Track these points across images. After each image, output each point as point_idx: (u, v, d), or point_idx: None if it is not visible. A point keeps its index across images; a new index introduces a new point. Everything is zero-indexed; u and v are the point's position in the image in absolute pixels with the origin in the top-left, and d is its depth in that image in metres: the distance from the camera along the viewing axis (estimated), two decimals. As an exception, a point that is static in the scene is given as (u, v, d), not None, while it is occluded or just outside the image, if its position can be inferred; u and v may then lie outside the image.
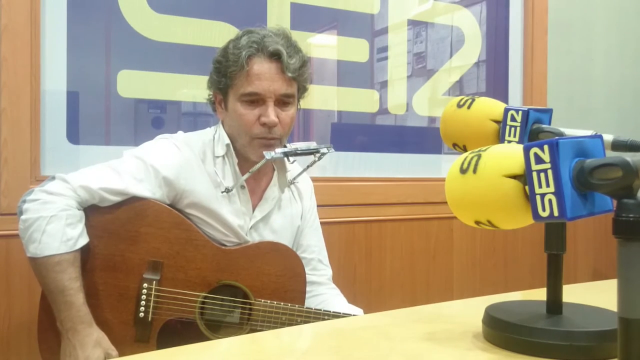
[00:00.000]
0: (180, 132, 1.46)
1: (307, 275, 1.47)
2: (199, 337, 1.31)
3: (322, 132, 2.14)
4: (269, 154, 1.30)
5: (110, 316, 1.30)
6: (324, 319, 1.33)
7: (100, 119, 1.77)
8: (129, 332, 1.30)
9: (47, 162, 1.65)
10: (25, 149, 1.60)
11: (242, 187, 1.43)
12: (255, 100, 1.36)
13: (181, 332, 1.33)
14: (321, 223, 1.63)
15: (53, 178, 1.29)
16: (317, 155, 1.33)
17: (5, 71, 1.57)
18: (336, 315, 1.36)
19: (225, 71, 1.38)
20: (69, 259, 1.23)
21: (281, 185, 1.50)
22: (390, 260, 2.13)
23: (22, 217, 1.25)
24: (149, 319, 1.30)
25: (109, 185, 1.30)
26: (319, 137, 2.12)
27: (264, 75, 1.36)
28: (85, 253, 1.28)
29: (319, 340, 0.83)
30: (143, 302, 1.30)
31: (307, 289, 1.48)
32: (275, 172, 1.50)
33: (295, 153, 1.31)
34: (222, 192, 1.38)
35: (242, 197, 1.43)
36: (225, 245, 1.39)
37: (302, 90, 1.45)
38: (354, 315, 1.38)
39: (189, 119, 1.89)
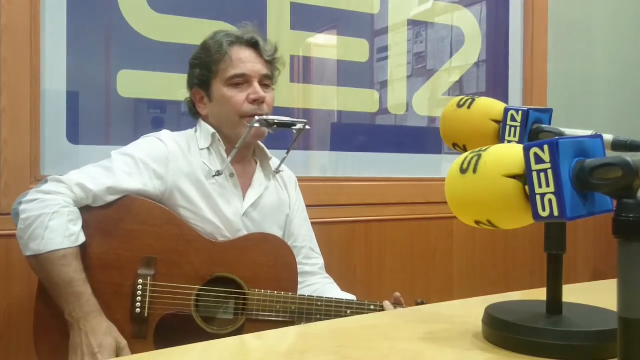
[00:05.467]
0: (164, 130, 1.49)
1: (299, 266, 1.51)
2: (196, 330, 1.32)
3: (322, 132, 2.14)
4: (249, 123, 1.39)
5: (107, 314, 1.30)
6: (317, 305, 1.38)
7: (100, 119, 1.78)
8: (126, 328, 1.31)
9: (47, 162, 1.65)
10: (25, 149, 1.60)
11: (232, 174, 1.46)
12: (241, 82, 1.46)
13: (178, 326, 1.33)
14: (321, 223, 1.64)
15: (46, 181, 1.31)
16: (294, 129, 1.40)
17: (5, 71, 1.57)
18: (329, 301, 1.39)
19: (207, 63, 1.48)
20: (73, 253, 1.25)
21: (266, 174, 1.55)
22: (390, 260, 2.13)
23: (22, 216, 1.26)
24: (146, 314, 1.31)
25: (103, 182, 1.32)
26: (319, 137, 2.13)
27: (246, 58, 1.47)
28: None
29: (319, 340, 0.83)
30: (139, 298, 1.31)
31: (300, 279, 1.51)
32: (259, 163, 1.56)
33: (273, 122, 1.38)
34: (213, 176, 1.42)
35: (232, 184, 1.47)
36: (216, 240, 1.41)
37: (275, 75, 1.55)
38: (346, 300, 1.41)
39: (188, 119, 1.88)
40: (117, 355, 1.25)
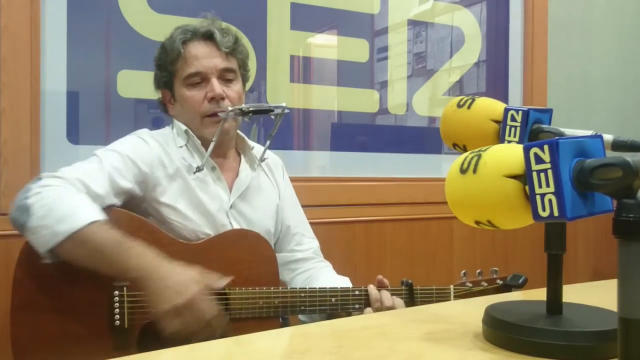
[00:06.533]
0: (144, 129, 1.47)
1: (292, 253, 1.50)
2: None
3: (322, 132, 2.14)
4: (224, 114, 1.34)
5: (87, 328, 1.27)
6: (300, 296, 1.34)
7: (100, 119, 1.77)
8: (108, 341, 1.27)
9: (47, 162, 1.65)
10: (25, 149, 1.60)
11: (213, 168, 1.43)
12: (199, 81, 1.42)
13: (161, 333, 1.28)
14: (321, 223, 1.64)
15: (40, 178, 1.25)
16: (272, 115, 1.34)
17: (5, 71, 1.57)
18: (312, 291, 1.35)
19: (165, 63, 1.44)
20: (109, 222, 1.21)
21: (251, 165, 1.52)
22: (390, 260, 2.13)
23: (38, 204, 1.18)
24: (126, 325, 1.27)
25: (98, 177, 1.28)
26: (319, 137, 2.13)
27: (201, 54, 1.42)
28: (50, 270, 1.25)
29: (319, 340, 0.83)
30: (117, 310, 1.27)
31: (293, 266, 1.50)
32: (242, 156, 1.53)
33: (248, 110, 1.33)
34: (194, 172, 1.38)
35: (215, 178, 1.44)
36: (195, 240, 1.37)
37: (242, 66, 1.50)
38: (329, 288, 1.37)
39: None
40: (207, 288, 1.19)
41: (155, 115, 1.83)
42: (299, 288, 1.37)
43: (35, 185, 1.23)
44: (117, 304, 1.27)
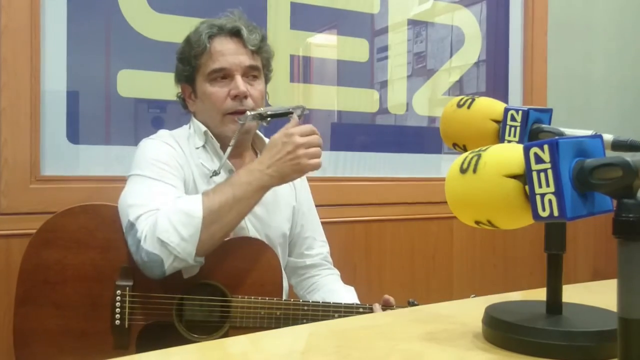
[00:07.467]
0: (162, 131, 1.46)
1: (302, 259, 1.50)
2: (179, 339, 1.29)
3: (322, 132, 2.12)
4: (241, 119, 1.33)
5: (87, 325, 1.28)
6: (303, 310, 1.33)
7: (100, 118, 1.77)
8: (107, 340, 1.28)
9: (47, 162, 1.65)
10: (25, 149, 1.60)
11: (231, 171, 1.42)
12: (222, 76, 1.40)
13: (161, 335, 1.30)
14: (321, 223, 1.63)
15: (132, 225, 1.24)
16: (290, 117, 1.33)
17: (5, 71, 1.57)
18: (315, 305, 1.34)
19: (189, 57, 1.42)
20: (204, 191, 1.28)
21: None
22: (390, 260, 2.13)
23: (154, 242, 1.20)
24: (126, 325, 1.28)
25: (165, 192, 1.29)
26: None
27: (227, 51, 1.40)
28: (55, 265, 1.27)
29: (319, 340, 0.83)
30: (118, 309, 1.28)
31: (301, 272, 1.50)
32: (259, 154, 1.50)
33: (266, 115, 1.32)
34: (211, 176, 1.37)
35: None
36: None
37: (266, 65, 1.49)
38: (333, 303, 1.36)
39: (188, 118, 1.89)
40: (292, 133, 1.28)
41: (155, 115, 1.83)
42: (302, 301, 1.35)
43: (139, 236, 1.22)
44: (118, 303, 1.28)
